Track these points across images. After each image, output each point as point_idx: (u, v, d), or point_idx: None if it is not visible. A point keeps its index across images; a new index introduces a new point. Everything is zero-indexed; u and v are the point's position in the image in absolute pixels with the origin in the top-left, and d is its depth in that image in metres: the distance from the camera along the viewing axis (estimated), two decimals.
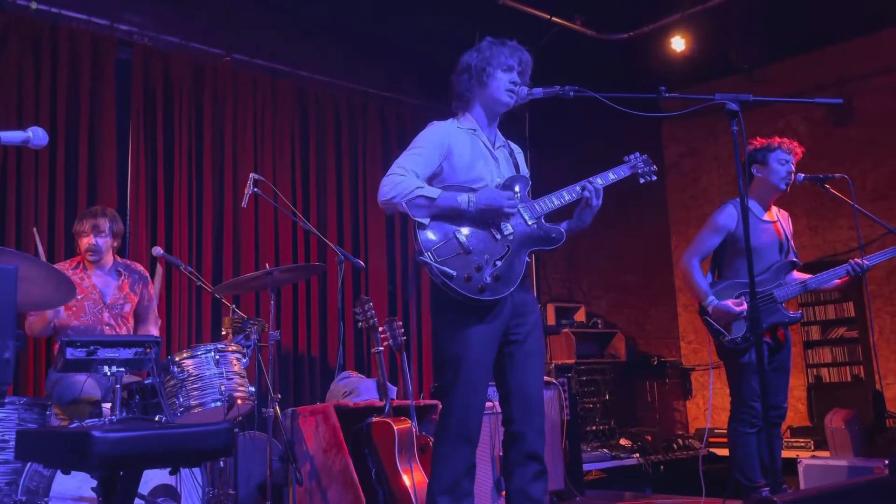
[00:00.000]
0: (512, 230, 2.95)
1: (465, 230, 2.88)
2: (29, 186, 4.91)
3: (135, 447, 2.08)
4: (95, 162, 5.23)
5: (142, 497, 3.12)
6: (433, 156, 2.97)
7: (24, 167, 4.90)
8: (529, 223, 2.99)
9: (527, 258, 2.98)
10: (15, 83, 4.94)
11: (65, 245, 4.99)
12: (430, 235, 2.84)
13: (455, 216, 2.87)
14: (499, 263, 2.88)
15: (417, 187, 2.84)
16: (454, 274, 2.79)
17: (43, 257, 3.82)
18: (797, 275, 4.15)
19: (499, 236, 2.92)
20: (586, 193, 3.03)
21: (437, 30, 5.89)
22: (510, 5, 6.17)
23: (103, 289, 4.22)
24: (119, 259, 4.36)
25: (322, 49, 6.39)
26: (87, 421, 3.36)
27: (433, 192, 2.86)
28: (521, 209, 3.00)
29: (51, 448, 2.22)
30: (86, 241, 4.16)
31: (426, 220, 2.84)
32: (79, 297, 4.12)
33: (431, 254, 2.80)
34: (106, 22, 5.36)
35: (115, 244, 4.31)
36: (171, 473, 2.55)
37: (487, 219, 2.90)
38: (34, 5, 5.00)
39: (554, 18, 6.48)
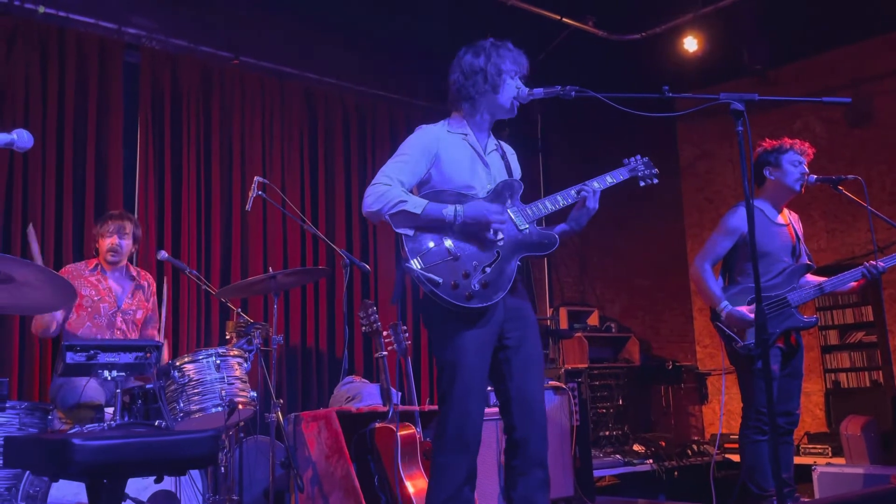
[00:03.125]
0: (503, 236, 2.89)
1: (452, 237, 2.82)
2: (36, 189, 4.92)
3: (116, 455, 2.04)
4: (103, 165, 5.24)
5: (138, 503, 3.09)
6: (420, 162, 2.91)
7: (31, 170, 4.91)
8: (521, 228, 2.94)
9: (518, 263, 2.92)
10: (23, 87, 4.95)
11: (73, 247, 5.01)
12: (416, 242, 2.78)
13: (442, 227, 2.81)
14: (488, 270, 2.82)
15: (401, 200, 2.78)
16: (440, 281, 2.73)
17: (37, 253, 3.82)
18: (812, 278, 4.06)
19: (488, 242, 2.86)
20: (584, 194, 2.98)
21: (447, 31, 5.84)
22: (520, 6, 6.11)
23: (118, 293, 4.25)
24: (132, 266, 4.38)
25: (330, 51, 6.37)
26: (87, 426, 3.33)
27: (417, 206, 2.79)
28: (512, 214, 2.94)
29: (35, 455, 2.19)
30: (109, 242, 4.22)
31: (410, 232, 2.79)
32: (95, 298, 4.18)
33: (417, 260, 2.75)
34: (113, 25, 5.37)
35: (134, 249, 4.37)
36: (155, 482, 2.50)
37: (475, 231, 2.84)
38: (41, 9, 5.02)
39: (565, 19, 6.42)
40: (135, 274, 4.36)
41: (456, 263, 2.78)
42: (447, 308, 2.76)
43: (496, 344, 2.88)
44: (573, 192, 3.01)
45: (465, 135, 3.01)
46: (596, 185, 3.03)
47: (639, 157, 3.23)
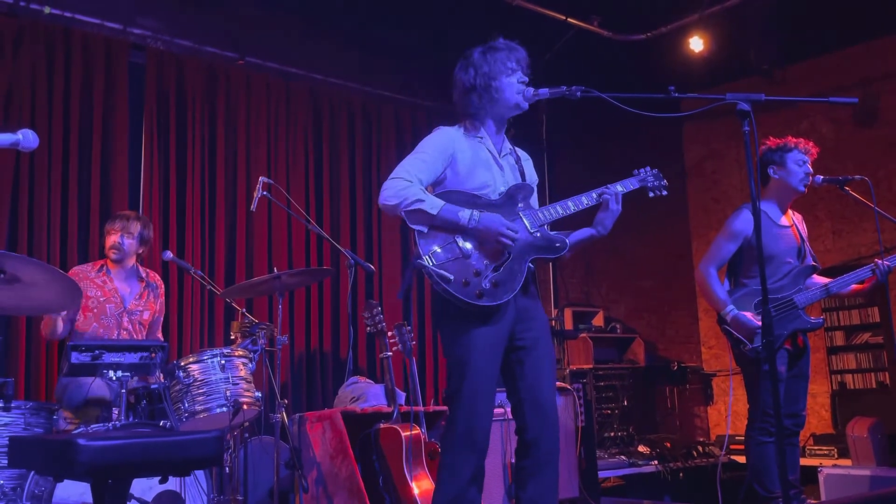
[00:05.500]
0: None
1: (464, 236, 2.84)
2: (42, 190, 4.92)
3: (120, 456, 2.04)
4: (108, 166, 5.24)
5: (142, 503, 3.09)
6: (437, 162, 2.93)
7: (37, 170, 4.91)
8: (531, 231, 2.94)
9: (530, 265, 2.93)
10: (29, 87, 4.95)
11: (77, 249, 5.01)
12: (430, 239, 2.81)
13: (455, 229, 2.83)
14: (499, 270, 2.83)
15: (419, 199, 2.80)
16: (451, 278, 2.75)
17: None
18: (818, 278, 4.05)
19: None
20: (605, 197, 2.98)
21: (451, 32, 5.84)
22: (525, 6, 6.10)
23: (124, 294, 4.26)
24: (140, 267, 4.38)
25: (336, 52, 6.37)
26: (92, 426, 3.34)
27: (434, 206, 2.81)
28: (523, 217, 2.95)
29: (40, 455, 2.19)
30: (111, 239, 4.23)
31: (424, 228, 2.81)
32: (101, 299, 4.19)
33: (429, 258, 2.77)
34: (119, 26, 5.37)
35: (141, 251, 4.37)
36: (160, 482, 2.51)
37: (486, 238, 2.85)
38: (47, 9, 5.02)
39: (570, 19, 6.40)
40: (143, 275, 4.36)
41: (467, 262, 2.80)
42: (458, 306, 2.77)
43: (507, 345, 2.89)
44: (594, 194, 3.01)
45: (481, 138, 3.03)
46: (619, 188, 3.05)
47: (648, 168, 3.22)
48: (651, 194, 3.20)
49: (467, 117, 3.04)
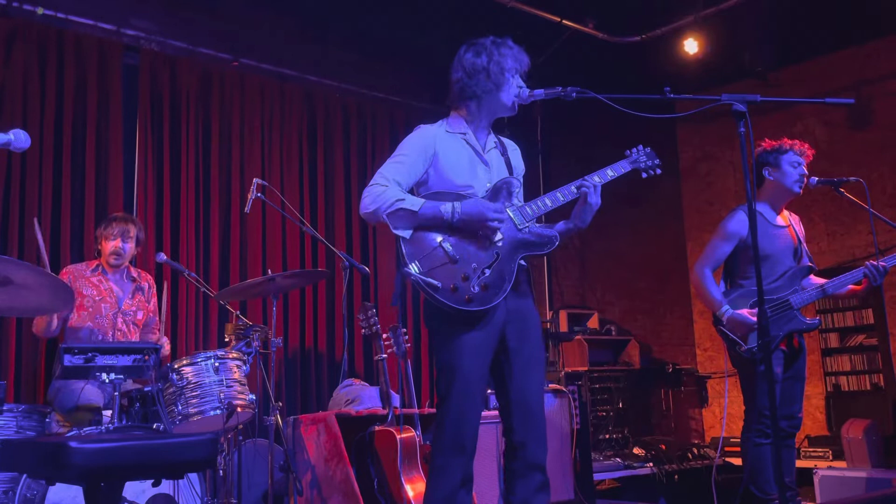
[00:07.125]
0: (501, 236, 2.85)
1: (451, 239, 2.79)
2: (34, 191, 4.89)
3: (113, 458, 2.02)
4: (102, 167, 5.22)
5: None
6: (417, 163, 2.89)
7: (29, 172, 4.89)
8: (520, 228, 2.90)
9: (521, 263, 2.88)
10: (21, 89, 4.93)
11: (71, 249, 4.99)
12: (415, 245, 2.75)
13: (440, 226, 2.79)
14: (487, 272, 2.78)
15: (398, 199, 2.76)
16: (439, 285, 2.70)
17: (43, 248, 3.81)
18: (815, 279, 4.04)
19: (487, 243, 2.83)
20: (584, 190, 2.92)
21: (447, 34, 5.83)
22: (521, 8, 6.10)
23: (119, 294, 4.26)
24: (132, 268, 4.37)
25: (330, 53, 6.36)
26: (85, 429, 3.32)
27: (415, 203, 2.77)
28: (511, 213, 2.90)
29: (32, 458, 2.17)
30: (112, 245, 4.22)
31: (408, 233, 2.76)
32: (96, 298, 4.19)
33: (416, 265, 2.71)
34: (112, 27, 5.35)
35: (136, 251, 4.37)
36: (153, 485, 2.49)
37: (473, 229, 2.81)
38: (40, 10, 5.00)
39: (565, 21, 6.40)
40: (135, 275, 4.37)
41: (455, 266, 2.75)
42: (446, 311, 2.73)
43: (497, 347, 2.85)
44: (573, 187, 2.95)
45: (464, 134, 2.98)
46: (597, 179, 2.97)
47: (641, 147, 3.16)
48: (644, 175, 3.11)
49: (464, 99, 2.96)
